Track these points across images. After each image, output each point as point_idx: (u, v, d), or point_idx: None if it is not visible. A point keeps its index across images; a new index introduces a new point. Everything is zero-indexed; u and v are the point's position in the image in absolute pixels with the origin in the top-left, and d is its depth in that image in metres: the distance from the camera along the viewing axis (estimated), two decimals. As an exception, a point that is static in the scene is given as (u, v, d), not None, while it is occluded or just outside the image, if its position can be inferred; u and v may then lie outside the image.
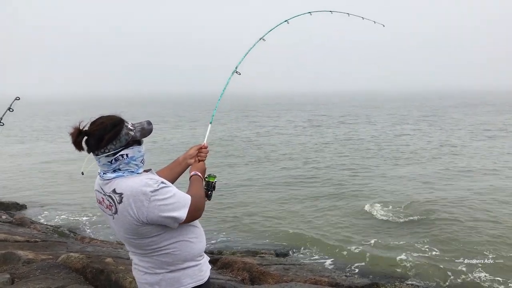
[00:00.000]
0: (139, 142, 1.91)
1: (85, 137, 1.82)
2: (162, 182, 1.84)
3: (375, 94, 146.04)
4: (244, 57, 3.06)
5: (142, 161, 1.92)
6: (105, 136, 1.79)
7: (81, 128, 1.80)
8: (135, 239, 1.87)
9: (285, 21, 3.57)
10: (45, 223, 9.69)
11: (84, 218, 10.41)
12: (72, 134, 1.79)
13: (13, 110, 5.29)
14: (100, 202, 1.92)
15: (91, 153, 1.85)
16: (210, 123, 2.70)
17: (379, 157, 18.13)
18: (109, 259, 4.69)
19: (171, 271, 1.91)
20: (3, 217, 9.06)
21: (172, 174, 2.21)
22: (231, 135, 27.82)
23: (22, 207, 11.12)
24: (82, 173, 1.92)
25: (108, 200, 1.84)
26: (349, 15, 4.29)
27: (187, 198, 1.86)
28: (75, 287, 3.94)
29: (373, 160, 17.42)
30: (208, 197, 2.24)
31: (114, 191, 1.81)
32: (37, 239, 6.28)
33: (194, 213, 1.88)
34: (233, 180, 14.20)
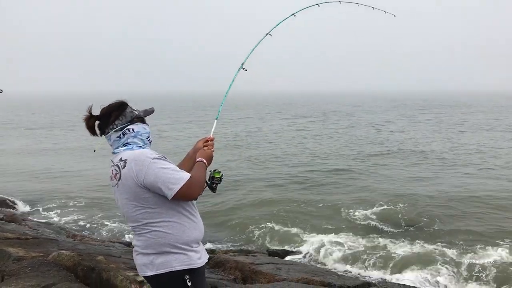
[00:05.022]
0: (143, 121, 2.16)
1: (97, 122, 2.08)
2: (165, 157, 2.02)
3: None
4: (251, 53, 3.05)
5: (149, 139, 2.15)
6: (112, 114, 2.07)
7: (91, 112, 2.07)
8: (134, 207, 1.99)
9: (292, 14, 3.48)
10: (36, 220, 9.61)
11: (76, 216, 10.34)
12: (85, 119, 2.07)
13: None
14: (111, 178, 2.09)
15: (103, 135, 2.10)
16: (216, 118, 2.73)
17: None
18: (100, 257, 4.67)
19: (162, 253, 1.98)
20: (-6, 213, 8.97)
21: (185, 169, 2.25)
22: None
23: (13, 203, 11.02)
24: (94, 150, 2.10)
25: (115, 170, 2.04)
26: (358, 5, 4.19)
27: (185, 176, 1.97)
28: (65, 285, 3.91)
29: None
30: (213, 189, 2.33)
31: (120, 159, 2.03)
32: (28, 236, 6.23)
33: (187, 191, 1.96)
34: (228, 177, 14.18)
